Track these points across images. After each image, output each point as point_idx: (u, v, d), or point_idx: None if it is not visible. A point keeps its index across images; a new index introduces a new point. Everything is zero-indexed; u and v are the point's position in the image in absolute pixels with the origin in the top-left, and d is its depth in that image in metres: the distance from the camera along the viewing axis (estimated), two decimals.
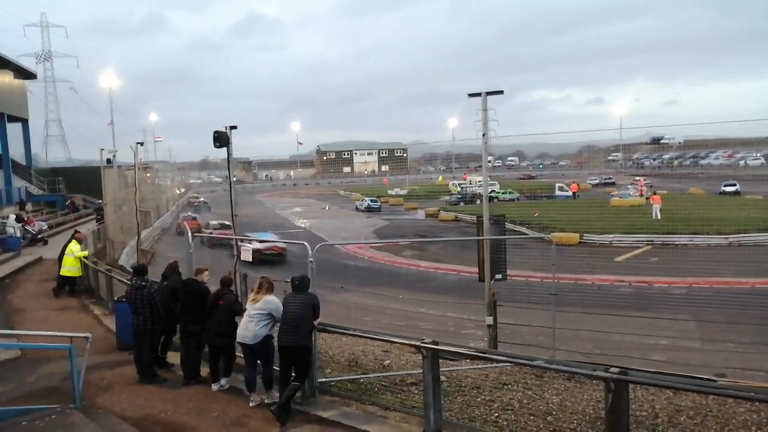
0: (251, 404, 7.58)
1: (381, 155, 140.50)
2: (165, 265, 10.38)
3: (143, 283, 9.02)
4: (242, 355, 8.02)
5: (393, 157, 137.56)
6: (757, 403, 6.51)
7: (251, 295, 7.88)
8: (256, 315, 7.55)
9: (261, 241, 19.67)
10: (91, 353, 8.13)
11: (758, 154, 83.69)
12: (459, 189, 63.12)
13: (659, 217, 34.56)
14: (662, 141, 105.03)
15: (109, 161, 23.17)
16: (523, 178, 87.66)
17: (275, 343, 7.63)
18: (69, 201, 39.79)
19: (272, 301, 7.63)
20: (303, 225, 45.66)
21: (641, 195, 47.60)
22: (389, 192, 69.76)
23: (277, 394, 7.43)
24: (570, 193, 55.70)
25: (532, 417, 6.63)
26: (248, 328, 7.57)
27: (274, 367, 7.79)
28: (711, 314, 15.04)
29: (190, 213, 46.94)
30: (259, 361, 7.79)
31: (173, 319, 9.19)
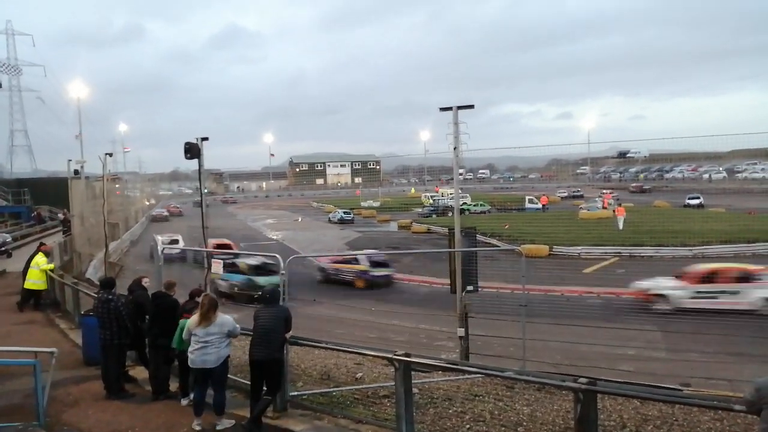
0: (196, 428, 7.17)
1: (354, 167, 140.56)
2: (133, 278, 10.23)
3: (110, 297, 8.84)
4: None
5: (366, 170, 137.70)
6: (720, 412, 6.70)
7: (196, 317, 7.27)
8: (216, 338, 7.20)
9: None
10: (56, 368, 7.97)
11: (720, 168, 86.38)
12: (431, 201, 63.71)
13: (621, 228, 35.33)
14: (628, 155, 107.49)
15: (76, 172, 22.75)
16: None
17: (245, 357, 7.53)
18: (35, 212, 38.83)
19: (228, 321, 7.35)
20: (275, 237, 45.32)
21: (605, 207, 48.58)
22: (362, 204, 69.70)
23: (230, 421, 7.26)
24: (540, 206, 56.64)
25: (503, 428, 6.70)
26: (209, 352, 7.17)
27: (245, 381, 7.69)
28: (676, 325, 15.38)
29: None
30: (212, 384, 7.34)
31: (140, 334, 9.05)
